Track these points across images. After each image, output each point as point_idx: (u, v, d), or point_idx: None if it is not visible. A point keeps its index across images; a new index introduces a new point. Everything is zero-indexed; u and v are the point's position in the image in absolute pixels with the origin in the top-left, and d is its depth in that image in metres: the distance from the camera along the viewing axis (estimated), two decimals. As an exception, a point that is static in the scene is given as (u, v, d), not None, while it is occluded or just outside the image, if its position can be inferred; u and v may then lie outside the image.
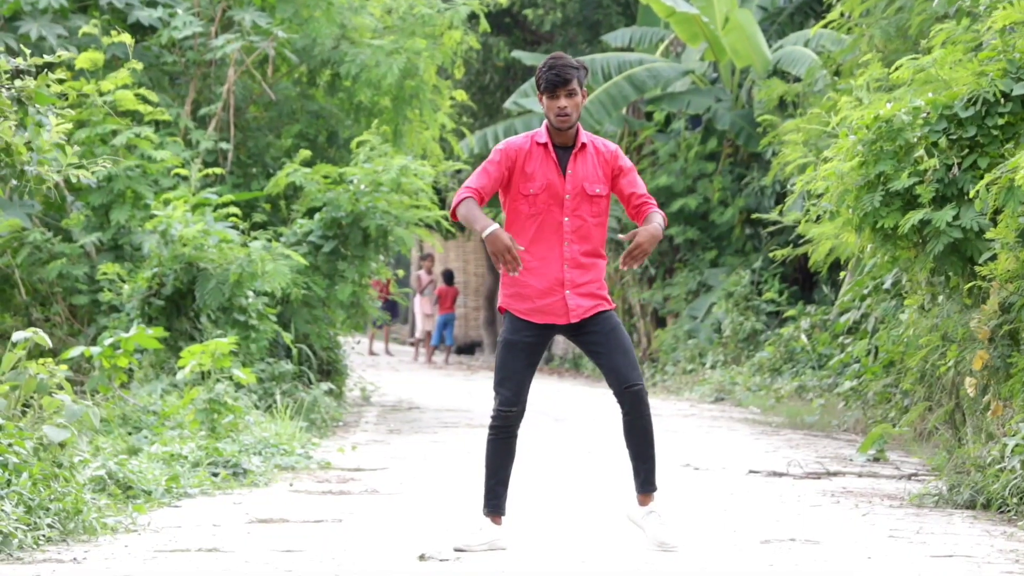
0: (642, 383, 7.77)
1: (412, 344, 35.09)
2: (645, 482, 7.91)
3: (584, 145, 7.80)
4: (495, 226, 7.52)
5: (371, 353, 32.56)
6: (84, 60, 14.99)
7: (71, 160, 9.47)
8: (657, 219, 7.76)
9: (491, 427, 7.80)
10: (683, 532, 8.38)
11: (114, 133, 15.27)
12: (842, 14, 17.05)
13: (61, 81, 9.25)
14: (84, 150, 14.82)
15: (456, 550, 7.74)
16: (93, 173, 9.64)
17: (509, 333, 7.83)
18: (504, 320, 7.95)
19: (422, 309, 32.46)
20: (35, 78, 9.14)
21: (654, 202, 7.89)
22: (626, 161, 7.91)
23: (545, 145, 7.78)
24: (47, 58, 9.30)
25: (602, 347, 7.78)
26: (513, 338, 7.80)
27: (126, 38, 15.57)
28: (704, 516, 9.37)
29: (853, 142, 10.96)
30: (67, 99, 14.44)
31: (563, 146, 7.80)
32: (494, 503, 7.85)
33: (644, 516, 7.94)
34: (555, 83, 7.65)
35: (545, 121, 7.85)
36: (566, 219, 7.76)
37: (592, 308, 7.79)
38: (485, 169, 7.78)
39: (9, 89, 8.95)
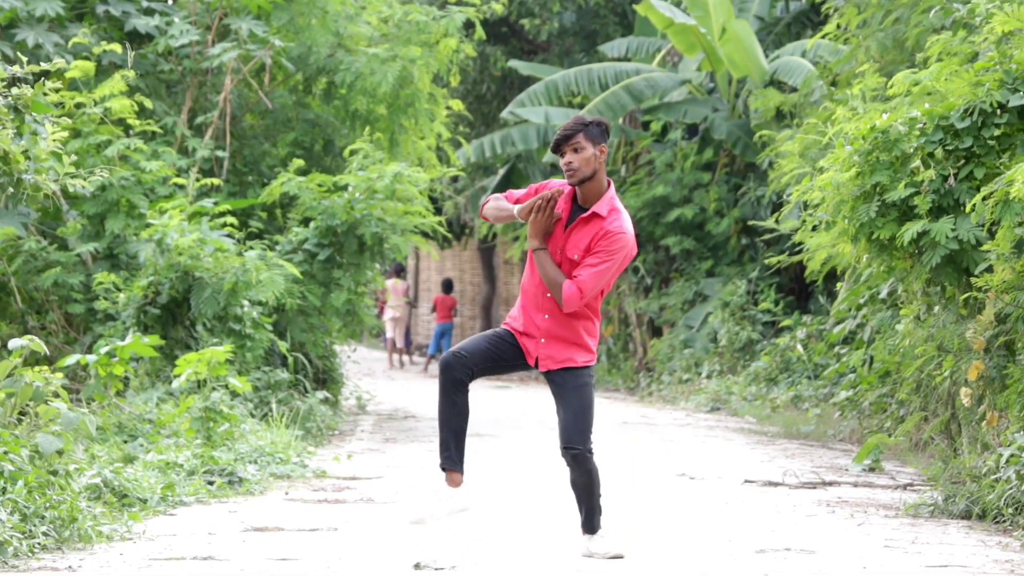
0: (582, 447, 7.82)
1: (410, 353, 35.04)
2: (585, 523, 8.04)
3: (594, 215, 7.85)
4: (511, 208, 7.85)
5: (391, 367, 32.53)
6: (76, 70, 14.99)
7: (68, 169, 9.47)
8: (556, 279, 7.82)
9: (439, 377, 7.91)
10: (672, 543, 8.38)
11: (108, 143, 15.26)
12: (839, 25, 17.07)
13: (57, 90, 9.22)
14: (78, 160, 14.80)
15: (413, 523, 7.84)
16: (89, 182, 9.63)
17: (496, 328, 8.10)
18: None
19: (390, 314, 32.28)
20: (32, 86, 9.14)
21: (580, 281, 7.84)
22: (606, 243, 7.83)
23: (572, 196, 7.92)
24: (43, 66, 9.30)
25: (560, 401, 7.92)
26: (497, 329, 8.02)
27: (116, 47, 15.57)
28: (700, 526, 9.38)
29: (849, 152, 10.97)
30: (63, 107, 14.45)
31: (583, 206, 7.90)
32: (446, 455, 7.90)
33: (588, 540, 8.04)
34: (559, 141, 7.85)
35: None
36: None
37: (561, 362, 7.89)
38: (524, 190, 8.03)
39: (6, 97, 8.95)
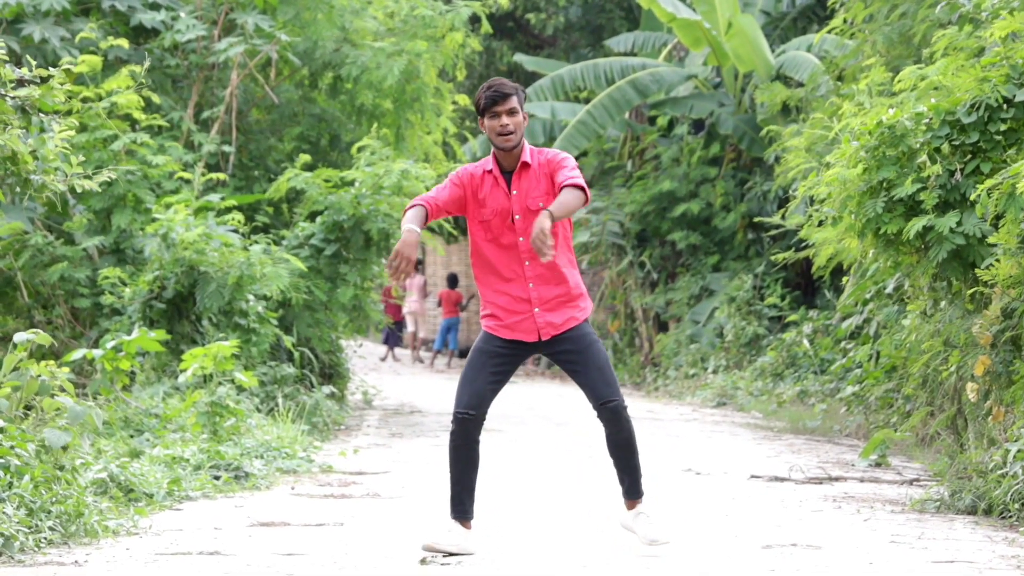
0: (618, 398, 7.78)
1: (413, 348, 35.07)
2: (630, 490, 7.97)
3: (526, 164, 7.78)
4: (413, 232, 7.53)
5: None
6: (83, 65, 15.00)
7: (76, 169, 9.48)
8: (563, 197, 7.56)
9: (451, 433, 7.78)
10: (675, 530, 8.39)
11: (114, 138, 15.27)
12: (845, 20, 17.05)
13: (63, 83, 9.22)
14: (84, 154, 14.82)
15: (425, 548, 7.72)
16: (95, 180, 9.64)
17: (480, 343, 7.87)
18: (479, 335, 7.95)
19: (408, 308, 32.42)
20: (39, 86, 9.14)
21: (577, 181, 7.68)
22: (563, 158, 7.78)
23: (490, 172, 7.79)
24: (51, 71, 9.31)
25: (578, 365, 7.80)
26: (483, 346, 7.83)
27: (123, 42, 15.57)
28: (705, 521, 9.37)
29: (856, 148, 10.95)
30: (70, 102, 14.45)
31: (511, 170, 7.80)
32: (460, 509, 7.83)
33: (633, 518, 7.99)
34: (495, 99, 7.65)
35: (493, 149, 7.84)
36: (520, 239, 7.77)
37: (563, 324, 7.80)
38: (443, 185, 7.83)
39: (14, 98, 8.95)
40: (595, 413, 7.82)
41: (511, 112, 7.68)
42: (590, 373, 7.76)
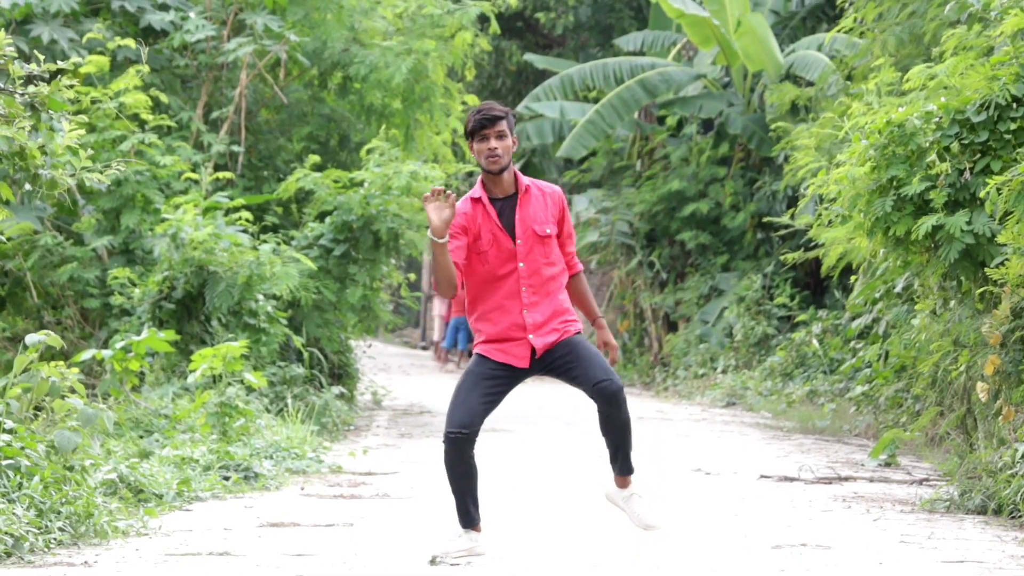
0: (612, 378, 7.68)
1: (424, 348, 35.14)
2: (623, 467, 7.94)
3: (528, 188, 7.78)
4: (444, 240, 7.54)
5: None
6: (91, 65, 15.02)
7: (84, 163, 9.48)
8: (587, 291, 8.02)
9: (445, 452, 7.70)
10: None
11: (123, 138, 15.29)
12: (856, 19, 17.04)
13: (71, 86, 9.23)
14: (93, 155, 14.83)
15: (434, 557, 7.70)
16: (105, 176, 9.64)
17: (473, 365, 7.80)
18: (472, 358, 7.90)
19: (439, 312, 32.53)
20: (48, 83, 9.15)
21: (579, 263, 7.98)
22: (567, 208, 7.92)
23: (479, 200, 7.76)
24: (60, 64, 9.32)
25: (570, 361, 7.74)
26: (476, 368, 7.77)
27: (131, 43, 15.59)
28: (715, 521, 9.37)
29: (865, 146, 10.94)
30: (79, 103, 14.47)
31: (503, 196, 7.77)
32: (467, 519, 7.78)
33: (626, 498, 7.99)
34: (483, 123, 7.61)
35: (480, 177, 7.81)
36: (521, 265, 7.72)
37: (554, 342, 7.76)
38: (452, 246, 7.69)
39: (23, 95, 8.96)
40: (592, 400, 7.75)
41: (500, 136, 7.63)
42: (581, 363, 7.71)
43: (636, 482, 8.03)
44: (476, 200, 7.75)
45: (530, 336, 7.72)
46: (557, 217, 7.84)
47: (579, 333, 7.83)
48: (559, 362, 7.77)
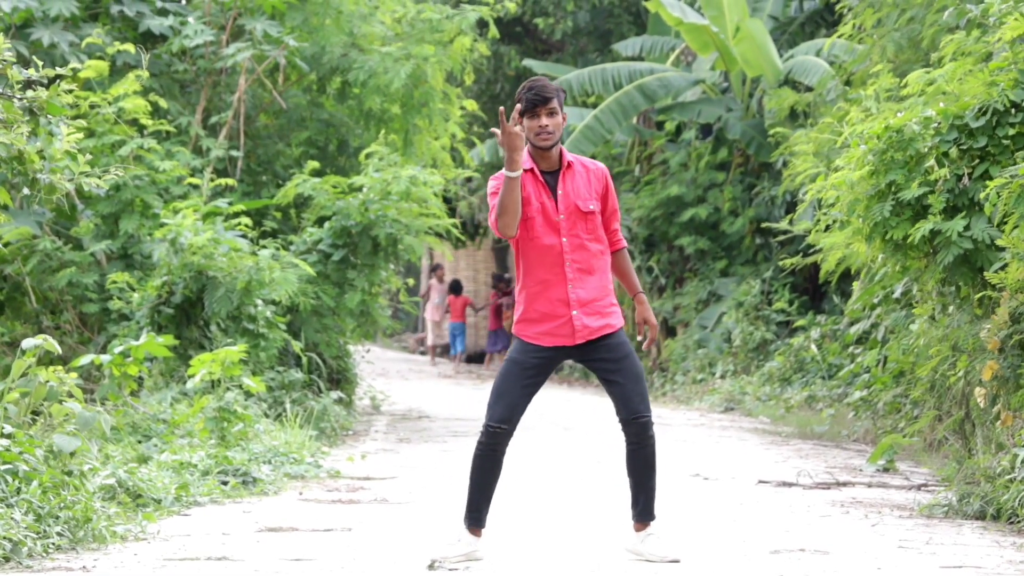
0: (649, 414, 7.77)
1: (422, 353, 35.17)
2: (643, 511, 7.91)
3: (571, 164, 7.83)
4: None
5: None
6: (90, 70, 15.02)
7: (83, 168, 9.49)
8: (630, 269, 8.03)
9: (479, 443, 7.75)
10: (686, 544, 8.38)
11: (122, 143, 15.29)
12: (854, 25, 17.06)
13: (71, 91, 9.23)
14: (92, 160, 14.84)
15: (432, 562, 7.69)
16: (104, 180, 9.65)
17: (515, 352, 7.82)
18: (513, 342, 7.93)
19: (431, 317, 32.61)
20: (47, 88, 9.16)
21: (623, 240, 8.03)
22: (611, 183, 7.98)
23: (532, 171, 7.80)
24: (58, 70, 9.32)
25: (614, 374, 7.77)
26: (518, 357, 7.78)
27: (130, 47, 15.59)
28: (713, 526, 9.37)
29: (864, 152, 10.96)
30: (78, 108, 14.47)
31: (549, 171, 7.83)
32: (475, 516, 7.80)
33: (643, 540, 7.93)
34: (535, 102, 7.67)
35: (527, 147, 7.85)
36: (564, 240, 7.76)
37: (599, 329, 7.78)
38: (494, 194, 7.77)
39: (22, 99, 8.97)
40: (621, 425, 7.77)
41: (551, 113, 7.70)
42: (627, 385, 7.74)
43: (653, 525, 8.00)
44: (528, 170, 7.78)
45: (574, 312, 7.74)
46: (601, 193, 7.88)
47: (623, 328, 7.86)
48: (605, 365, 7.80)
